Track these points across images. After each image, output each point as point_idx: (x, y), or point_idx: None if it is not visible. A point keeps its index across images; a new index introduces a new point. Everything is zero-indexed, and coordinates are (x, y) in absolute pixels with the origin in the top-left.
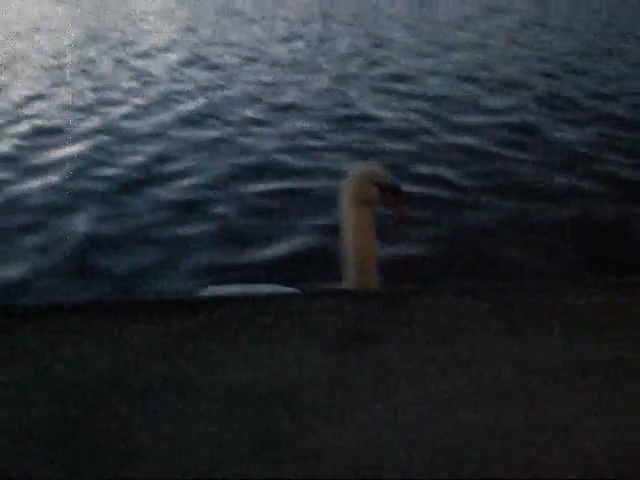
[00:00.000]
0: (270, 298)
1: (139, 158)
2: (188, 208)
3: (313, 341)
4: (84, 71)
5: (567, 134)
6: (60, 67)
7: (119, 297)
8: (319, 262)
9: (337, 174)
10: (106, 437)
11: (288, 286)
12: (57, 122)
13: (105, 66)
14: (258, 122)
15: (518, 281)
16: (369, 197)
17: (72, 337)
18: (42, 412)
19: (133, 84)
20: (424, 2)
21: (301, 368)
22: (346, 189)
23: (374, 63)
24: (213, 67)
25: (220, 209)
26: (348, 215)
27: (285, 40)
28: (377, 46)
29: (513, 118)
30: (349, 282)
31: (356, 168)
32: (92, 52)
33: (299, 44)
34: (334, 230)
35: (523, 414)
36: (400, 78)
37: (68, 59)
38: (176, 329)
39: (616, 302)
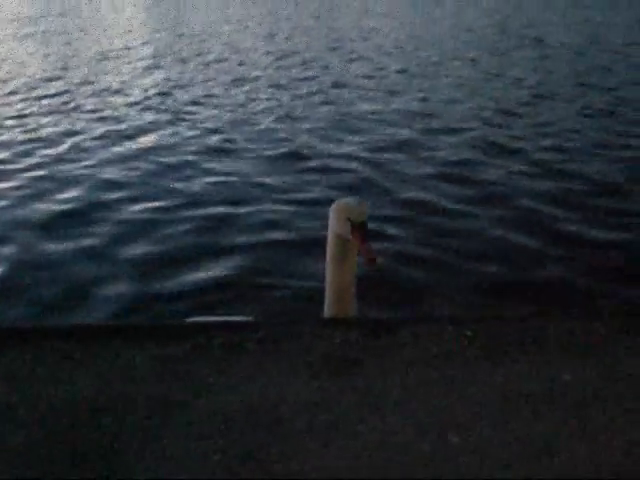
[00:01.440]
0: (255, 325)
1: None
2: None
3: (298, 366)
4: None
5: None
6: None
7: (106, 322)
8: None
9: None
10: (93, 456)
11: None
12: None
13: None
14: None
15: (498, 309)
16: (344, 232)
17: (58, 360)
18: (28, 432)
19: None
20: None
21: (286, 392)
22: (329, 222)
23: (328, 102)
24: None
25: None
26: (329, 246)
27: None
28: (337, 87)
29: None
30: (328, 310)
31: (337, 202)
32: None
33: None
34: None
35: (503, 437)
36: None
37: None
38: (164, 353)
39: (587, 329)
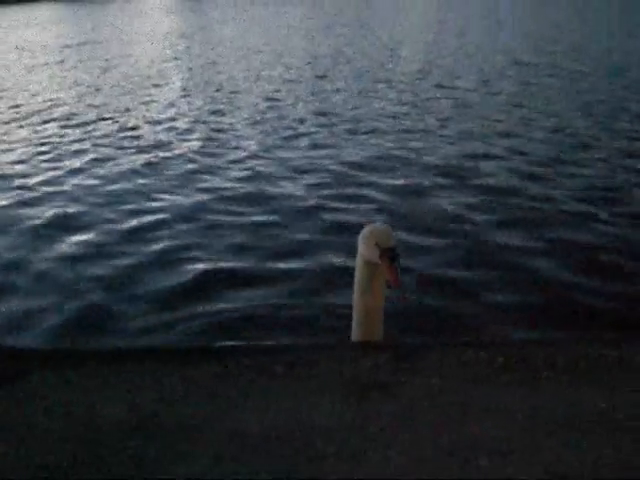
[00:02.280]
0: (283, 348)
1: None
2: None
3: (327, 390)
4: None
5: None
6: None
7: (134, 345)
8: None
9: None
10: (120, 476)
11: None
12: None
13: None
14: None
15: (526, 334)
16: (373, 259)
17: (86, 382)
18: (54, 452)
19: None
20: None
21: (315, 416)
22: (358, 247)
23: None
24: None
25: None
26: (358, 271)
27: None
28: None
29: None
30: (356, 333)
31: (366, 227)
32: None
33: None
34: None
35: (532, 462)
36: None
37: None
38: (194, 375)
39: (618, 355)
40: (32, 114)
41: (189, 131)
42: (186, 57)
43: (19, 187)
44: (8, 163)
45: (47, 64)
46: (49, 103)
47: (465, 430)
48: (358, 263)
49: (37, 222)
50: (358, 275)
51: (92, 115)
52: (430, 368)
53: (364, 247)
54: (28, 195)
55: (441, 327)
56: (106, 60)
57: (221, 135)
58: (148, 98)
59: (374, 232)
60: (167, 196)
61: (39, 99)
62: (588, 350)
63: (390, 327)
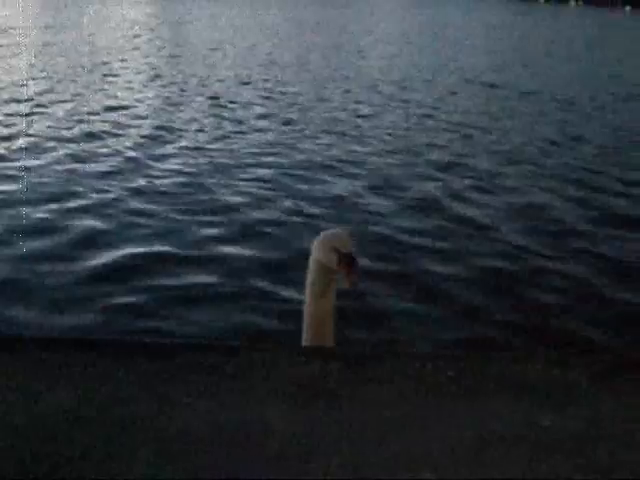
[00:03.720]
0: (235, 348)
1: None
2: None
3: (276, 393)
4: None
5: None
6: None
7: (86, 335)
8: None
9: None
10: (62, 468)
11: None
12: None
13: None
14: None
15: (481, 346)
16: (329, 264)
17: (31, 370)
18: (3, 438)
19: None
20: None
21: (261, 418)
22: (312, 252)
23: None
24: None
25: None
26: (310, 276)
27: None
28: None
29: None
30: (307, 338)
31: (323, 233)
32: None
33: None
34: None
35: (477, 477)
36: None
37: None
38: (147, 370)
39: (566, 374)
40: None
41: (127, 125)
42: (146, 48)
43: None
44: None
45: None
46: None
47: (411, 442)
48: (311, 267)
49: None
50: (311, 279)
51: (29, 102)
52: (380, 378)
53: (320, 251)
54: None
55: (393, 336)
56: (62, 45)
57: (162, 132)
58: (95, 87)
59: (332, 237)
60: (96, 185)
61: None
62: (537, 367)
63: (342, 333)
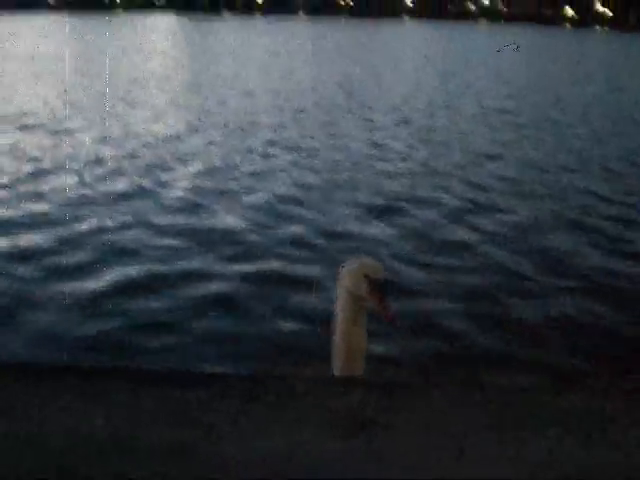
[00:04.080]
0: (272, 378)
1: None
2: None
3: (314, 423)
4: None
5: None
6: None
7: (123, 363)
8: (304, 348)
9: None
10: None
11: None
12: None
13: None
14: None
15: (512, 377)
16: (359, 292)
17: (62, 396)
18: (26, 464)
19: None
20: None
21: (297, 448)
22: (341, 279)
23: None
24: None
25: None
26: (340, 305)
27: None
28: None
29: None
30: (338, 368)
31: (352, 261)
32: None
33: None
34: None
35: None
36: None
37: None
38: (180, 398)
39: (596, 405)
40: None
41: (141, 153)
42: (170, 77)
43: None
44: None
45: (20, 77)
46: (17, 109)
47: (450, 473)
48: (341, 295)
49: None
50: (341, 309)
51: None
52: (418, 408)
53: (350, 279)
54: None
55: (423, 366)
56: (87, 73)
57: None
58: (114, 114)
59: (363, 264)
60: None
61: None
62: (575, 397)
63: (371, 361)
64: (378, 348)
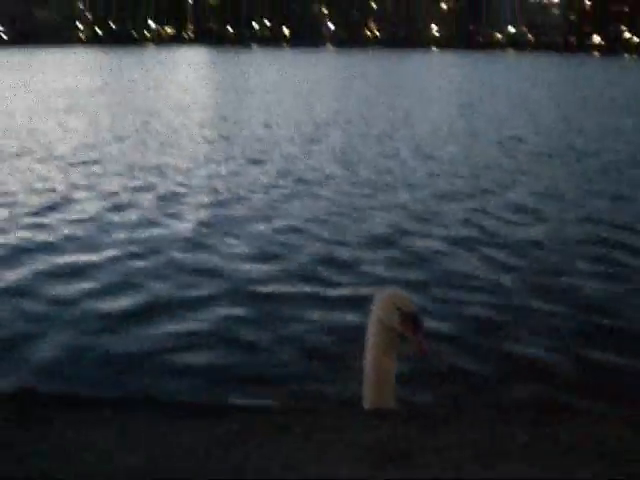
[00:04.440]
0: (303, 410)
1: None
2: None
3: (343, 456)
4: None
5: None
6: None
7: (155, 397)
8: (334, 379)
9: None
10: None
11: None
12: None
13: None
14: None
15: (552, 402)
16: (391, 323)
17: (101, 428)
18: None
19: None
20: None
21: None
22: (372, 311)
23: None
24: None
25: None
26: (370, 335)
27: None
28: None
29: None
30: (368, 400)
31: (382, 292)
32: None
33: None
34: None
35: None
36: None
37: None
38: (211, 431)
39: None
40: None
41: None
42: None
43: None
44: None
45: (53, 109)
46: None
47: None
48: (373, 328)
49: None
50: (372, 340)
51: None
52: (451, 440)
53: (382, 310)
54: None
55: (459, 394)
56: (117, 107)
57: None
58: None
59: (394, 295)
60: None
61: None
62: (613, 430)
63: (402, 393)
64: (409, 379)
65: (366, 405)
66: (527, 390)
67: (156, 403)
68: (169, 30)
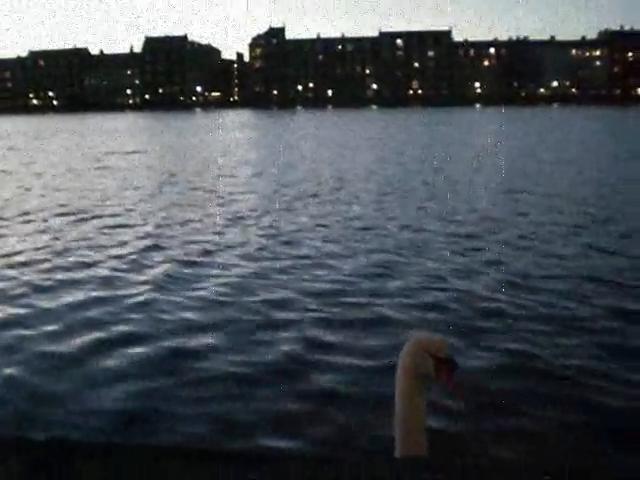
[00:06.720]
0: (329, 462)
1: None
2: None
3: None
4: None
5: None
6: None
7: (178, 444)
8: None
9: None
10: None
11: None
12: None
13: None
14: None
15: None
16: (424, 369)
17: (128, 476)
18: None
19: None
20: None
21: None
22: (402, 357)
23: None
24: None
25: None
26: (400, 383)
27: None
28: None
29: None
30: (401, 448)
31: (414, 337)
32: None
33: None
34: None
35: None
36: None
37: None
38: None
39: None
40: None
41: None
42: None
43: None
44: None
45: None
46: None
47: None
48: (401, 374)
49: None
50: (401, 387)
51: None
52: None
53: (414, 356)
54: None
55: (487, 445)
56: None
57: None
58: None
59: (426, 341)
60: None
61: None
62: None
63: (436, 441)
64: (442, 426)
65: (398, 454)
66: (562, 439)
67: (176, 451)
68: (215, 94)
